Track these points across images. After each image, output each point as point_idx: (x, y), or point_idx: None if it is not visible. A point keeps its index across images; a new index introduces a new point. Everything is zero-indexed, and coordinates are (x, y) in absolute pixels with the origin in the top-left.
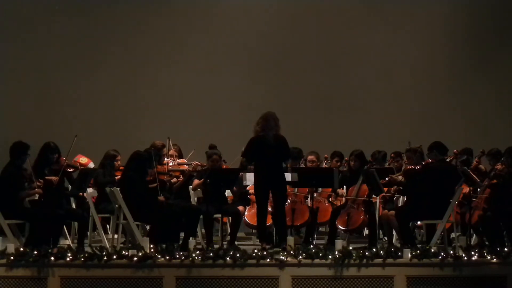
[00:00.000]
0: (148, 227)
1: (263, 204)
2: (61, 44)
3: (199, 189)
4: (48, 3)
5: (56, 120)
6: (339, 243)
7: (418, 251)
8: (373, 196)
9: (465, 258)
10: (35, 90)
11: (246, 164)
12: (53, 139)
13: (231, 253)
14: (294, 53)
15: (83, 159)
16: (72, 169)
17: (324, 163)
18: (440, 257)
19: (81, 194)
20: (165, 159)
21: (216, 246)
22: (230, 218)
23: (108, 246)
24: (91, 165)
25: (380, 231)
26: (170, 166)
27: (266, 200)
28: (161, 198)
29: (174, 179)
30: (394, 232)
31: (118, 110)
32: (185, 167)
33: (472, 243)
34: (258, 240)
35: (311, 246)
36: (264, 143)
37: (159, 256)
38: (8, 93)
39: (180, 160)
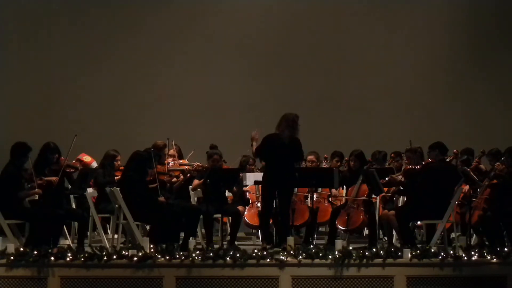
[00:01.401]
0: (148, 227)
1: (269, 203)
2: (61, 45)
3: (199, 189)
4: (48, 3)
5: (56, 120)
6: (339, 243)
7: (418, 251)
8: (373, 196)
9: (465, 258)
10: (35, 90)
11: (258, 160)
12: (53, 139)
13: (231, 253)
14: (294, 53)
15: (86, 158)
16: (72, 170)
17: (324, 163)
18: (440, 257)
19: (81, 193)
20: (167, 159)
21: (216, 246)
22: (230, 218)
23: (108, 246)
24: (94, 164)
25: (380, 231)
26: (170, 166)
27: (272, 199)
28: (162, 199)
29: (174, 179)
30: (394, 232)
31: (118, 110)
32: (186, 167)
33: (472, 243)
34: (258, 240)
35: (311, 246)
36: (277, 141)
37: (159, 256)
38: (8, 93)
39: (180, 161)
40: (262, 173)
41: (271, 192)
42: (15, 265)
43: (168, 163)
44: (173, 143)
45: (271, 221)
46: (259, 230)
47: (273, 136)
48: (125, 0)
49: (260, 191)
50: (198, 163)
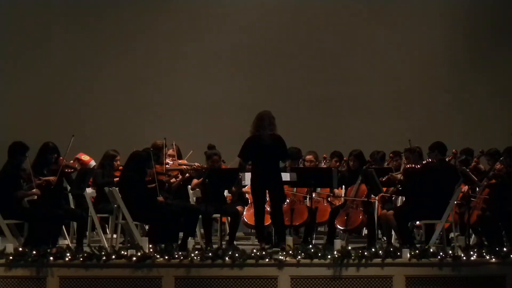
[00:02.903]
0: (147, 227)
1: (260, 204)
2: (61, 45)
3: (198, 189)
4: (49, 4)
5: (56, 120)
6: (338, 243)
7: (417, 251)
8: (372, 196)
9: (464, 258)
10: (35, 90)
11: (243, 164)
12: (53, 139)
13: (230, 253)
14: (294, 53)
15: (84, 157)
16: (70, 170)
17: (323, 163)
18: (439, 257)
19: (80, 193)
20: (166, 159)
21: (215, 246)
22: (229, 218)
23: (107, 246)
24: (92, 163)
25: (379, 231)
26: (169, 166)
27: (263, 200)
28: (160, 198)
29: (173, 179)
30: (393, 232)
31: (118, 110)
32: (184, 167)
33: (471, 243)
34: (257, 240)
35: (310, 246)
36: (259, 142)
37: (158, 256)
38: (8, 93)
39: (180, 161)
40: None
41: (261, 193)
42: (14, 265)
43: (167, 163)
44: (173, 143)
45: (269, 222)
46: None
47: (254, 138)
48: (125, 2)
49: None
50: (198, 163)
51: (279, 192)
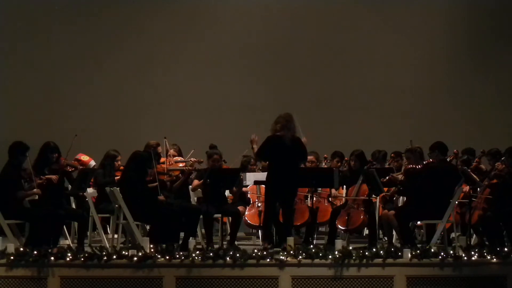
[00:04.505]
0: (148, 227)
1: (272, 203)
2: (62, 45)
3: (199, 189)
4: (49, 3)
5: (56, 120)
6: (339, 243)
7: (418, 251)
8: (373, 196)
9: (465, 258)
10: (36, 90)
11: (257, 161)
12: (53, 138)
13: (231, 253)
14: (294, 53)
15: (84, 157)
16: (71, 169)
17: (324, 163)
18: (440, 257)
19: (81, 193)
20: (163, 158)
21: (216, 246)
22: (230, 218)
23: (108, 246)
24: (92, 163)
25: (380, 231)
26: (169, 166)
27: (276, 200)
28: (161, 197)
29: (174, 179)
30: (394, 232)
31: (118, 110)
32: (183, 164)
33: (472, 243)
34: (258, 240)
35: (311, 246)
36: (281, 143)
37: (159, 256)
38: (8, 93)
39: (176, 158)
40: (264, 173)
41: (275, 194)
42: (15, 265)
43: (166, 163)
44: (166, 142)
45: None
46: (260, 230)
47: (275, 138)
48: (125, 2)
49: (263, 191)
50: (194, 159)
51: (293, 194)
